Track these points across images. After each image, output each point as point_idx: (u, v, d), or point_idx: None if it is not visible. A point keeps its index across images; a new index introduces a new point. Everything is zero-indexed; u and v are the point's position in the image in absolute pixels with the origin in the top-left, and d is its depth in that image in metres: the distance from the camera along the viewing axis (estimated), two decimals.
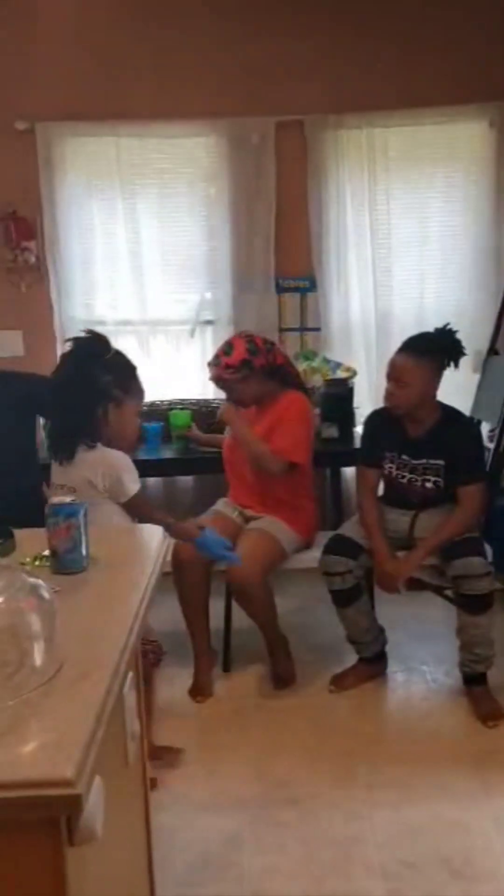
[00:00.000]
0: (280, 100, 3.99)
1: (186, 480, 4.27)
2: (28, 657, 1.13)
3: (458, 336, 3.02)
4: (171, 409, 3.76)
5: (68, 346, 2.53)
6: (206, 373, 3.27)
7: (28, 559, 1.62)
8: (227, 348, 3.13)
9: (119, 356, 2.46)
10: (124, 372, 2.44)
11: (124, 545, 1.75)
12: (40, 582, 1.18)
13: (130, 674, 1.48)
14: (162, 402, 4.08)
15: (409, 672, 3.26)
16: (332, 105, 4.00)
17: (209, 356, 4.14)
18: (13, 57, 3.96)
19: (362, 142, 4.05)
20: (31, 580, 1.19)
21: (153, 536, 1.76)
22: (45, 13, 3.95)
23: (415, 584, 3.17)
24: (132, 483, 2.39)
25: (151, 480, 4.28)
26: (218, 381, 3.17)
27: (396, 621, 3.46)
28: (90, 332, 2.52)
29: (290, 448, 3.11)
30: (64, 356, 2.57)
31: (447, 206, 4.14)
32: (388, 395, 3.04)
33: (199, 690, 3.12)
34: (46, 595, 1.18)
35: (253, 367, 3.09)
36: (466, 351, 3.06)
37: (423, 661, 3.33)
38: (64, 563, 1.54)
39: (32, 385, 3.01)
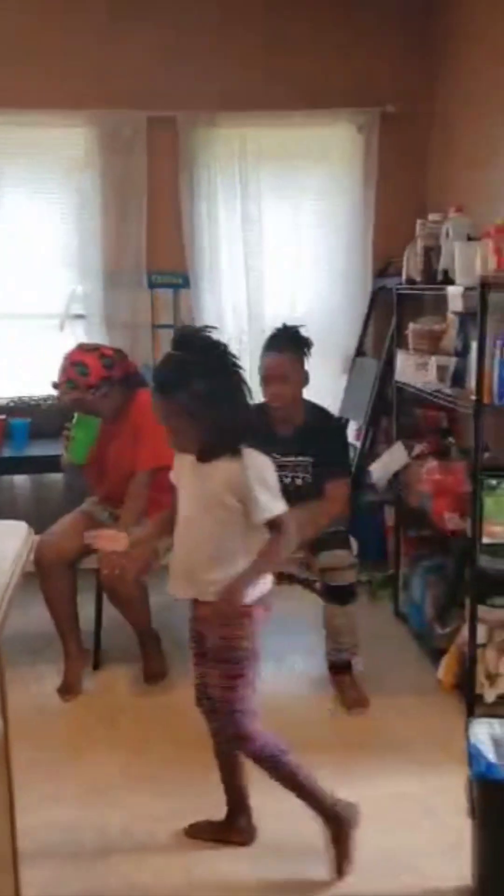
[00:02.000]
0: (153, 95, 3.98)
1: (55, 478, 4.19)
2: None
3: (306, 332, 3.11)
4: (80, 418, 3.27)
5: None
6: (56, 392, 3.09)
7: None
8: (80, 368, 2.99)
9: None
10: None
11: None
12: None
13: None
14: (31, 397, 4.01)
15: (277, 663, 3.32)
16: (204, 103, 4.03)
17: None
18: None
19: (234, 141, 4.11)
20: None
21: (16, 532, 1.73)
22: None
23: (284, 578, 3.25)
24: None
25: (19, 479, 4.19)
26: (79, 404, 3.04)
27: None
28: None
29: (153, 454, 3.07)
30: None
31: (318, 208, 4.25)
32: (274, 396, 3.07)
33: (68, 689, 3.08)
34: None
35: (113, 381, 3.05)
36: (327, 346, 3.16)
37: (291, 653, 3.40)
38: None
39: None
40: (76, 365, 3.02)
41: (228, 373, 2.03)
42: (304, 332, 3.11)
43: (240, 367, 2.06)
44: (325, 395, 3.77)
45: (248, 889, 2.15)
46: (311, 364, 3.15)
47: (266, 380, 3.07)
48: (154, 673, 3.18)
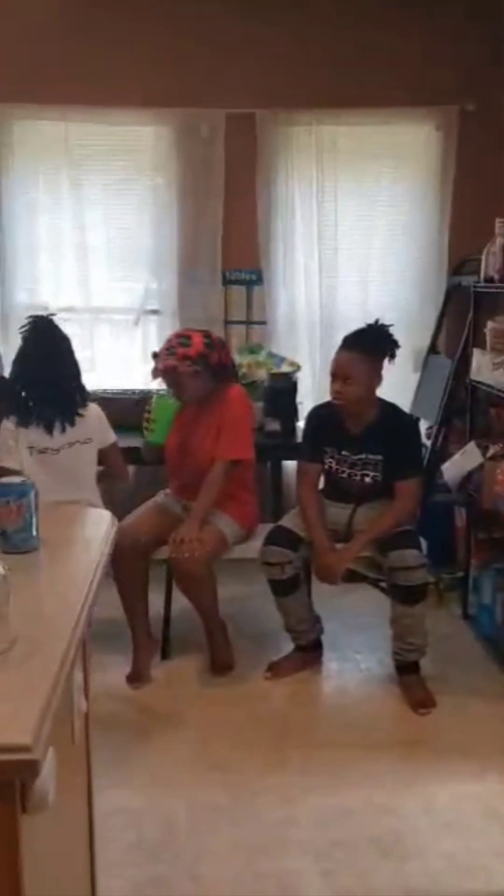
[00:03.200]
0: (231, 93, 4.02)
1: (131, 469, 4.24)
2: None
3: (392, 331, 3.10)
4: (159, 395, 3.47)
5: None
6: (151, 363, 3.23)
7: None
8: (184, 340, 3.13)
9: None
10: None
11: (74, 527, 1.77)
12: None
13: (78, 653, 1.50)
14: (106, 391, 4.07)
15: (343, 661, 3.34)
16: (283, 100, 4.05)
17: (153, 346, 4.15)
18: None
19: (312, 139, 4.11)
20: None
21: (102, 520, 1.77)
22: None
23: (352, 576, 3.26)
24: None
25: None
26: (170, 373, 3.13)
27: (333, 611, 3.53)
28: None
29: (233, 446, 3.14)
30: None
31: (393, 205, 4.23)
32: (337, 393, 3.08)
33: (137, 677, 3.13)
34: (1, 575, 1.20)
35: (208, 362, 3.11)
36: (401, 344, 3.14)
37: (358, 651, 3.40)
38: (14, 542, 1.54)
39: None
40: (181, 337, 3.18)
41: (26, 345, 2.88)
42: (389, 332, 3.07)
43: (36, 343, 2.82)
44: (396, 392, 3.74)
45: (311, 885, 2.16)
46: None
47: (331, 376, 3.08)
48: (221, 663, 3.21)
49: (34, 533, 1.56)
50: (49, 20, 3.92)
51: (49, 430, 2.81)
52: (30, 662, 1.13)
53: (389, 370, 3.18)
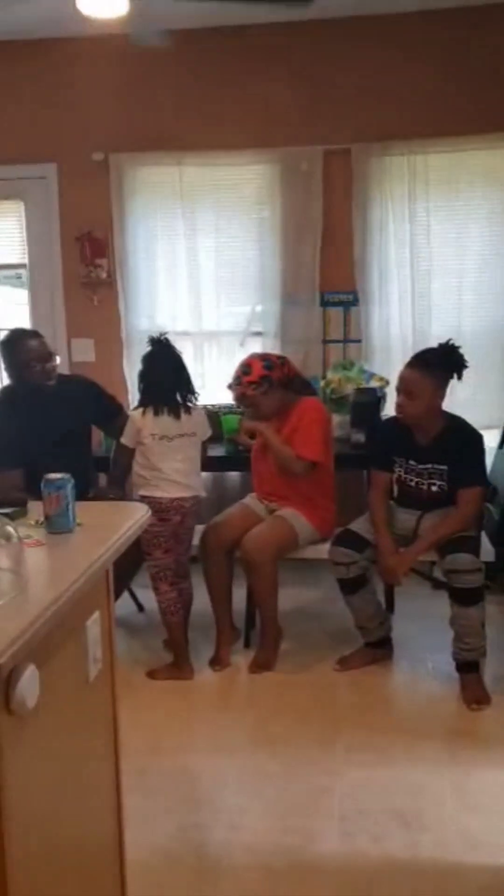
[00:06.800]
0: (329, 130, 4.36)
1: (234, 475, 4.66)
2: None
3: (461, 350, 3.29)
4: (224, 413, 4.14)
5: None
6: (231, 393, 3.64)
7: (32, 522, 2.05)
8: (245, 369, 3.51)
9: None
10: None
11: (113, 516, 2.16)
12: (12, 530, 1.60)
13: (97, 612, 1.89)
14: (214, 405, 4.49)
15: (412, 659, 3.55)
16: (377, 133, 4.33)
17: None
18: (91, 97, 4.51)
19: (405, 167, 4.36)
20: (8, 528, 1.61)
21: (138, 510, 2.16)
22: (116, 59, 4.44)
23: (434, 582, 3.46)
24: None
25: (204, 475, 4.69)
26: (242, 399, 3.56)
27: (415, 613, 3.74)
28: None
29: (307, 450, 3.46)
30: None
31: (486, 229, 4.39)
32: (399, 407, 3.34)
33: (218, 661, 3.51)
34: (15, 539, 1.60)
35: (272, 380, 3.46)
36: (468, 364, 3.32)
37: (429, 650, 3.60)
38: (54, 524, 1.95)
39: (103, 399, 3.75)
40: (243, 366, 3.55)
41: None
42: (458, 352, 3.25)
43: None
44: (491, 410, 3.96)
45: (330, 842, 2.42)
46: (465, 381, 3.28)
47: (396, 391, 3.32)
48: (260, 662, 3.49)
49: (70, 518, 1.96)
50: (161, 78, 4.44)
51: (176, 416, 3.32)
52: (24, 606, 1.51)
53: (485, 388, 3.33)
